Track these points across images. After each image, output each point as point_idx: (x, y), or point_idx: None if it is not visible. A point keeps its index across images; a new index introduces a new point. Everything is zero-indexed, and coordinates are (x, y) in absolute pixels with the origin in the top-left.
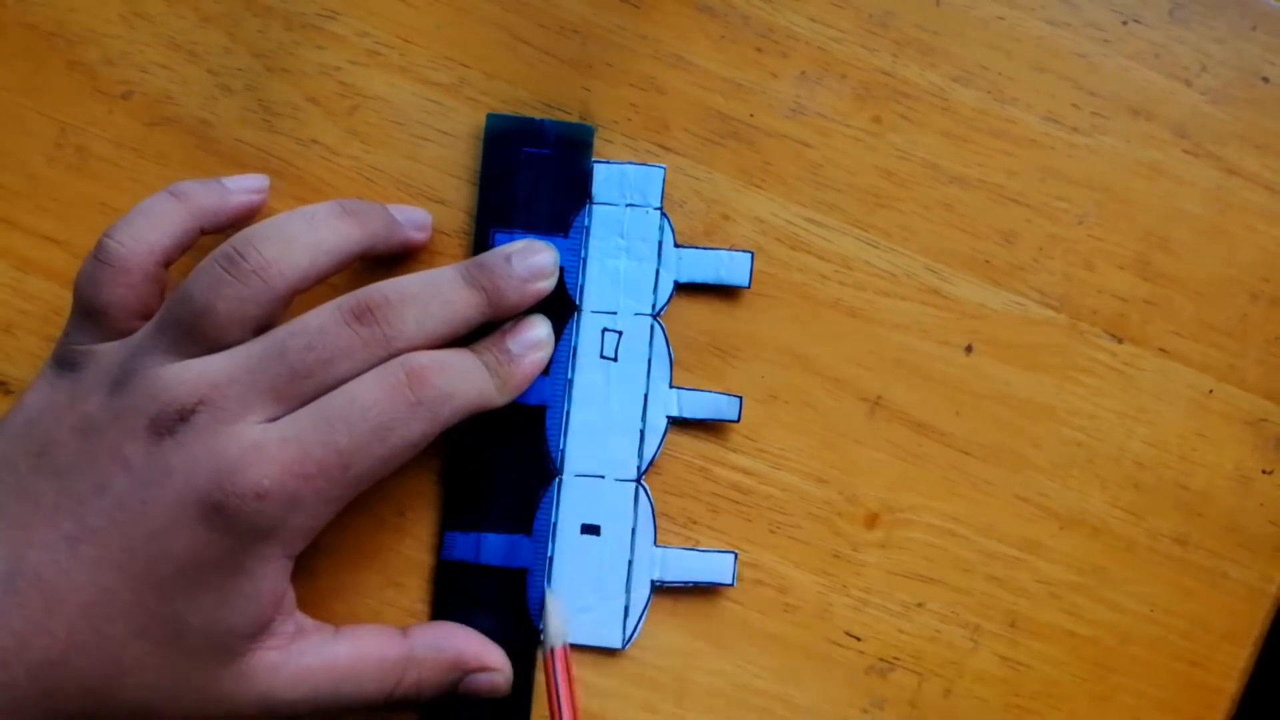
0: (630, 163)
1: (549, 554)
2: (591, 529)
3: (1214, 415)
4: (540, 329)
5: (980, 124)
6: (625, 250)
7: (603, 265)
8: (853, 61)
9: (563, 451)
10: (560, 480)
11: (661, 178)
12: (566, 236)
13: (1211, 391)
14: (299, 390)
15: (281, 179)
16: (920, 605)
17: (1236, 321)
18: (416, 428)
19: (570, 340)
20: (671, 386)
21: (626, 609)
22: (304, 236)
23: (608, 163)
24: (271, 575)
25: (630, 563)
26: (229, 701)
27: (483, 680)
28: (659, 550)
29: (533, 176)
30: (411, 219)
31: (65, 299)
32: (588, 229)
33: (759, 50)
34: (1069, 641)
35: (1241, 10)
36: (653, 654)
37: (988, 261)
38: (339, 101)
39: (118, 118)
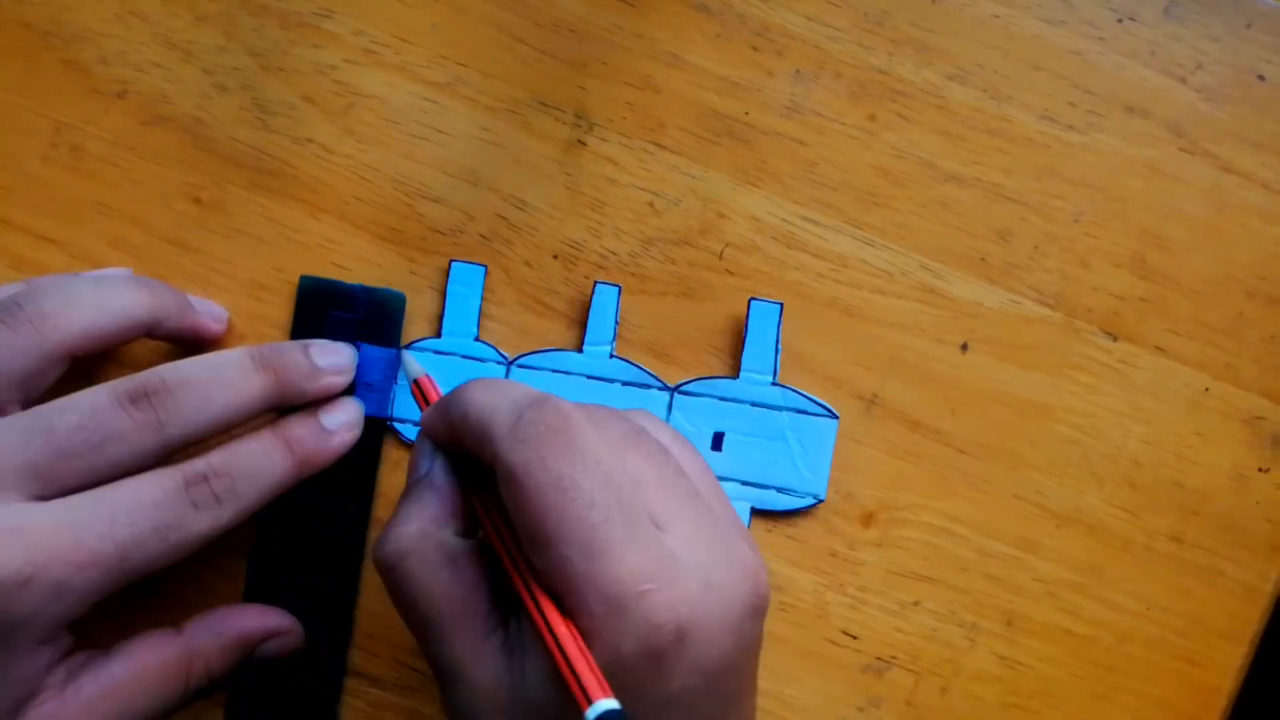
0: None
1: (740, 482)
2: (717, 438)
3: (1210, 413)
4: (355, 410)
5: (976, 122)
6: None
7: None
8: (848, 60)
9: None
10: None
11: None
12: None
13: (1208, 390)
14: (63, 472)
15: (277, 178)
16: (917, 604)
17: (1232, 320)
18: (199, 528)
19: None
20: (613, 355)
21: (799, 410)
22: (89, 295)
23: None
24: (27, 661)
25: (753, 403)
26: None
27: (274, 646)
28: (742, 376)
29: (339, 338)
30: (208, 310)
31: None
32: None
33: (755, 49)
34: (1066, 640)
35: (1237, 8)
36: None
37: (984, 260)
38: (335, 100)
39: (113, 116)
